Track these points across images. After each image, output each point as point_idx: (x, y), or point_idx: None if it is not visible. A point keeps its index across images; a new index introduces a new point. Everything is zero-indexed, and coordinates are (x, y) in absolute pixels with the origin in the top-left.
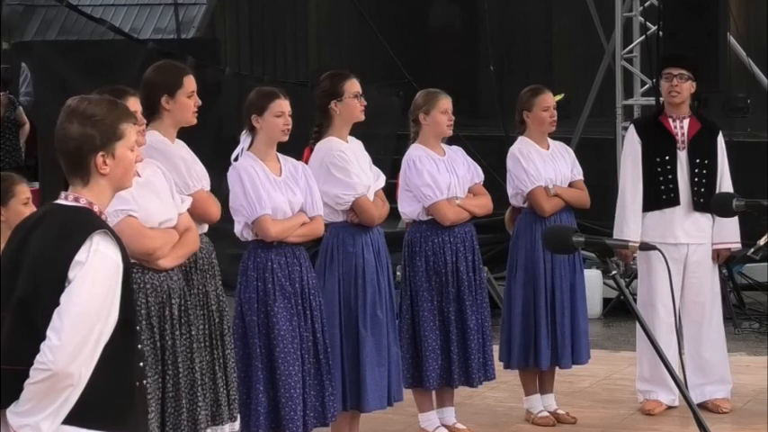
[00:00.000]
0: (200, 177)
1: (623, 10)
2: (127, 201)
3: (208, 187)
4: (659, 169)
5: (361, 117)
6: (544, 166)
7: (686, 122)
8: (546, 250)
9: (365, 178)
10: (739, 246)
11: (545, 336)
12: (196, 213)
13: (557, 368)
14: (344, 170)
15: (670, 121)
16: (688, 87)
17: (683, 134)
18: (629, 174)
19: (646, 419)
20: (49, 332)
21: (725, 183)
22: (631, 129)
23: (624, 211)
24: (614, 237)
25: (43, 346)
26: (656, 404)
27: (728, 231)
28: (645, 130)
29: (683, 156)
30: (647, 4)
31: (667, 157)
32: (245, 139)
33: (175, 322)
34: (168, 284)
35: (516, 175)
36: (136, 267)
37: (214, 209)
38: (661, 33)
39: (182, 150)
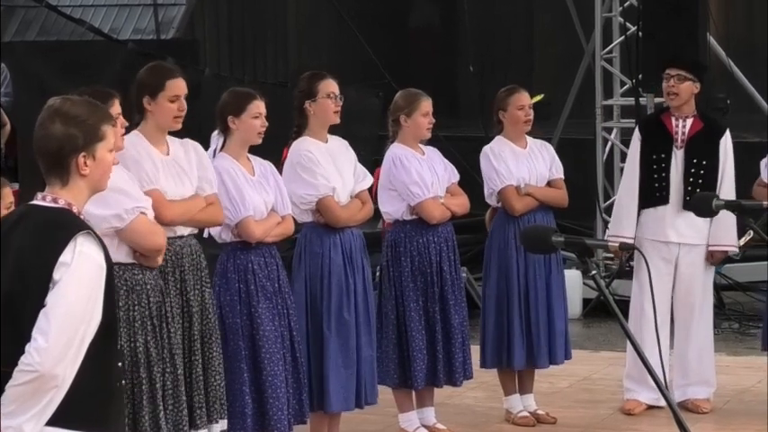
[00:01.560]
0: (154, 179)
1: (603, 10)
2: (138, 198)
3: (211, 191)
4: (654, 167)
5: (336, 118)
6: (517, 165)
7: (689, 122)
8: (519, 250)
9: (334, 179)
10: (736, 249)
11: (519, 335)
12: None
13: (536, 368)
14: (310, 170)
15: (672, 119)
16: (687, 88)
17: (683, 133)
18: (629, 171)
19: (626, 419)
20: (35, 333)
21: (725, 184)
22: (636, 127)
23: (620, 208)
24: (610, 233)
25: (29, 347)
26: (636, 404)
27: (725, 233)
28: (646, 129)
29: (679, 155)
30: (626, 5)
31: (663, 155)
32: (217, 140)
33: (170, 319)
34: (161, 283)
35: (487, 174)
36: (136, 269)
37: (166, 212)
38: (640, 34)
39: (132, 152)
